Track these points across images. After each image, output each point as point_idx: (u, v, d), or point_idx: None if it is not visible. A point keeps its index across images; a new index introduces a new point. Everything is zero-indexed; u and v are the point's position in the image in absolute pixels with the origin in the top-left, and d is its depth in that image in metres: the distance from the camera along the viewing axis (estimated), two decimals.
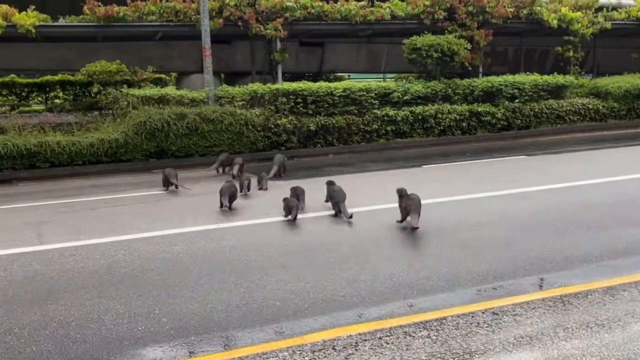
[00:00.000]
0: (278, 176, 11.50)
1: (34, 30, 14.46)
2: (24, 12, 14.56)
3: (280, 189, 9.86)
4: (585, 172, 11.08)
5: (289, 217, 7.96)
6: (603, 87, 19.03)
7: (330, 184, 8.45)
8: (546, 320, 4.64)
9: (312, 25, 17.38)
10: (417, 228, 7.23)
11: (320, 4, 17.02)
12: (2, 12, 14.15)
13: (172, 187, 10.50)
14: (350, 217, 7.77)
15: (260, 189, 10.28)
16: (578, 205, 8.43)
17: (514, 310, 4.84)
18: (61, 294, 5.56)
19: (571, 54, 20.23)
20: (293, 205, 8.06)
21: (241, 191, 9.53)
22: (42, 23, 14.78)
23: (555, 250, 6.35)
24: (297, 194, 8.60)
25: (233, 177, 10.83)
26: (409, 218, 7.39)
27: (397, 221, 7.58)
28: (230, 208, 8.72)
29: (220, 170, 12.22)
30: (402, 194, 7.62)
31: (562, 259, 6.09)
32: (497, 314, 4.78)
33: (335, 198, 8.09)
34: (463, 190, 9.56)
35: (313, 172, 11.97)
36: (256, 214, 8.49)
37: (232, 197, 8.80)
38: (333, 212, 8.14)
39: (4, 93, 20.96)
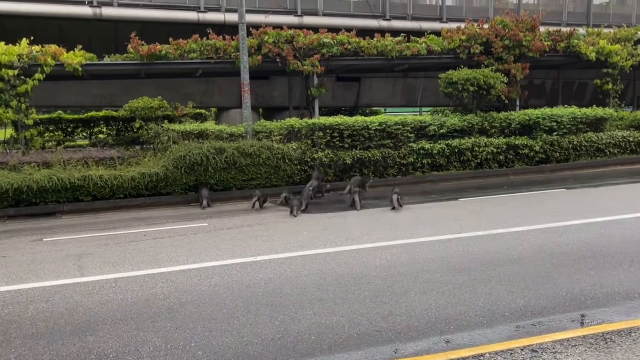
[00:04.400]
0: (349, 193, 12.77)
1: (80, 69, 15.01)
2: (72, 52, 15.15)
3: (319, 220, 9.98)
4: (627, 205, 10.84)
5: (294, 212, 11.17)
6: None
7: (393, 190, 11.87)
8: (588, 359, 4.52)
9: (349, 61, 17.60)
10: (402, 207, 11.41)
11: (357, 40, 17.25)
12: (51, 52, 14.76)
13: (205, 204, 12.88)
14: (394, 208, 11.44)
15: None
16: (620, 239, 8.23)
17: (554, 348, 4.73)
18: (100, 325, 5.66)
19: (610, 86, 20.00)
20: (294, 203, 11.30)
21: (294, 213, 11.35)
22: (88, 62, 15.34)
23: (596, 285, 6.21)
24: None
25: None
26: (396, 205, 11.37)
27: (391, 209, 11.36)
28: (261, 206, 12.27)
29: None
30: (392, 190, 11.89)
31: (604, 294, 5.94)
32: (537, 352, 4.68)
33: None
34: (501, 224, 9.46)
35: (347, 206, 11.98)
36: (293, 247, 8.56)
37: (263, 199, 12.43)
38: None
39: (51, 129, 21.68)
